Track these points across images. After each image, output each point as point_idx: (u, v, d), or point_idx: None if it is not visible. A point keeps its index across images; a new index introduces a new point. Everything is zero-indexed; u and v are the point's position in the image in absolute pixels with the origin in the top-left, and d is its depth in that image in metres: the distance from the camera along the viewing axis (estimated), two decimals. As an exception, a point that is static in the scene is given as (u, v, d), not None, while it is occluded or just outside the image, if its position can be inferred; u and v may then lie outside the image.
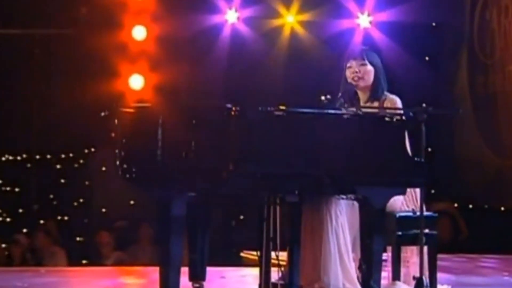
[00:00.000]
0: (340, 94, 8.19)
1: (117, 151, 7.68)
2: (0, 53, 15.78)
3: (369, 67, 8.24)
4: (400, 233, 7.98)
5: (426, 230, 7.98)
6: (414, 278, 7.85)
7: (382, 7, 15.14)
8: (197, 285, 8.25)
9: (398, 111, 8.04)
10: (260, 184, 7.37)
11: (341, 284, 7.92)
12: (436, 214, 8.26)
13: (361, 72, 8.21)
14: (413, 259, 8.12)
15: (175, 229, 7.37)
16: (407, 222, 7.97)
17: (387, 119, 7.75)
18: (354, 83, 8.20)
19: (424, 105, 7.93)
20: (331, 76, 13.64)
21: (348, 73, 8.25)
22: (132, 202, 15.12)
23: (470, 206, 15.33)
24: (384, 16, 15.17)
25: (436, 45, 15.78)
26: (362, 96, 8.29)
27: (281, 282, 7.69)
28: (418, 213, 7.89)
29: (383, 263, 7.86)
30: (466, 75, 15.36)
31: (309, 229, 7.97)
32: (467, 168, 15.45)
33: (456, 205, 15.18)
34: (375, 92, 8.24)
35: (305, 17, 15.29)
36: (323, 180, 7.47)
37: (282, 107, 7.38)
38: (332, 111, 7.72)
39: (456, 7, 15.52)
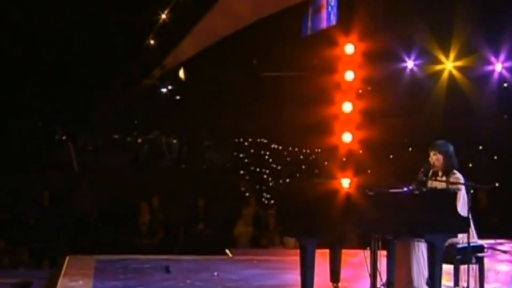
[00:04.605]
0: (422, 170, 8.85)
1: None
2: (261, 89, 17.12)
3: (439, 156, 8.77)
4: (459, 257, 8.62)
5: (478, 254, 8.73)
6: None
7: (512, 57, 15.15)
8: (335, 284, 8.95)
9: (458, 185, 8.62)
10: (367, 231, 8.39)
11: None
12: (482, 244, 8.85)
13: (433, 160, 8.84)
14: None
15: (309, 257, 8.27)
16: (462, 250, 8.60)
17: (443, 191, 8.55)
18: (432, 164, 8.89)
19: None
20: (474, 104, 14.33)
21: (429, 157, 8.91)
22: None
23: None
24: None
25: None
26: (439, 172, 8.87)
27: (383, 286, 8.52)
28: (472, 244, 8.52)
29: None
30: None
31: (403, 253, 8.66)
32: None
33: None
34: (444, 171, 8.82)
35: (459, 63, 15.42)
36: (403, 231, 8.38)
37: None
38: (408, 190, 8.43)
39: None
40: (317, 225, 8.28)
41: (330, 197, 8.24)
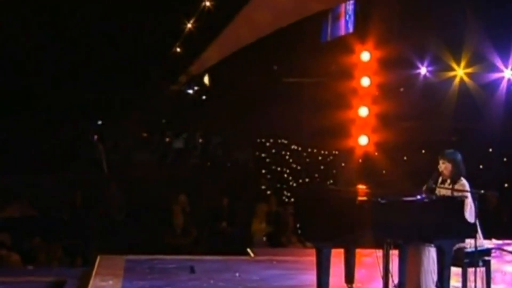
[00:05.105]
0: (431, 177, 8.88)
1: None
2: (282, 93, 17.20)
3: (448, 164, 8.78)
4: (466, 260, 8.69)
5: (485, 258, 8.80)
6: (470, 288, 8.68)
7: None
8: (349, 285, 8.96)
9: (465, 192, 8.68)
10: (380, 237, 8.40)
11: None
12: (489, 247, 8.91)
13: (442, 168, 8.86)
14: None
15: (324, 260, 8.50)
16: (470, 254, 8.66)
17: (451, 199, 8.61)
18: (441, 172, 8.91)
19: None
20: (484, 109, 14.31)
21: (438, 165, 8.94)
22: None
23: None
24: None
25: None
26: (448, 180, 8.92)
27: (395, 286, 8.60)
28: (479, 248, 8.57)
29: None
30: None
31: (413, 256, 8.74)
32: None
33: None
34: (452, 179, 8.87)
35: (469, 70, 15.40)
36: (414, 236, 8.46)
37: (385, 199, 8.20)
38: (417, 198, 8.45)
39: None
40: (332, 231, 8.41)
41: (346, 204, 8.38)
